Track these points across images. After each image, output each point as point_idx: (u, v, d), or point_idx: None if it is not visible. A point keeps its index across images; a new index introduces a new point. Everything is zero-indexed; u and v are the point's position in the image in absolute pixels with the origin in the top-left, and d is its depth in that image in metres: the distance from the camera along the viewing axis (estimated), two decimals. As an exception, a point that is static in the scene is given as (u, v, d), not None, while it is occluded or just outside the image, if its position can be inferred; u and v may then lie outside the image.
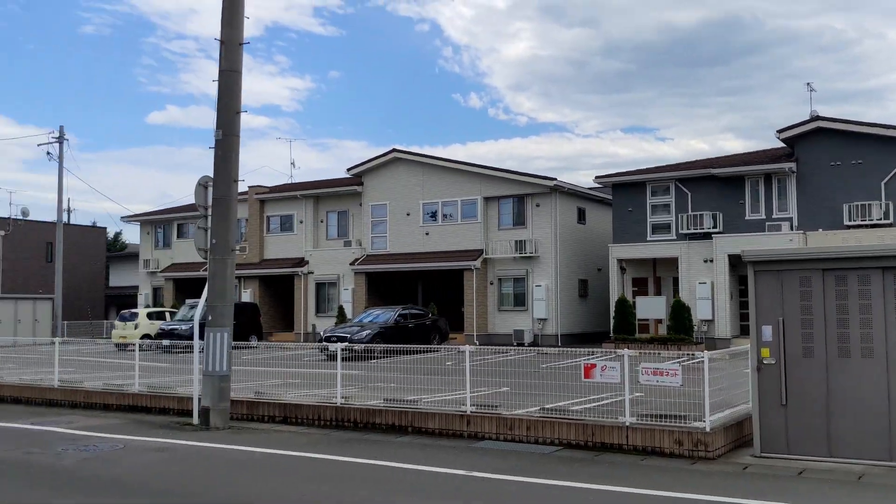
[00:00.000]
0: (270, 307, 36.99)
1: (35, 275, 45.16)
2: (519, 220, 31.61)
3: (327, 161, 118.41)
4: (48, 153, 38.06)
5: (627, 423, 9.24)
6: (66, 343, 17.11)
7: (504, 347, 14.11)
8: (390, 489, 7.37)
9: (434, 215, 33.49)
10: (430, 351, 14.22)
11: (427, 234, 33.36)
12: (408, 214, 33.82)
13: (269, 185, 39.34)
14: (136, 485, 7.49)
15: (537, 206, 31.08)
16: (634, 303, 27.69)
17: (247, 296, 36.75)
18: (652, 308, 27.68)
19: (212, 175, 12.42)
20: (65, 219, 40.84)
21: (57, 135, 38.05)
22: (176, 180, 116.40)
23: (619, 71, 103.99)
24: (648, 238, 28.42)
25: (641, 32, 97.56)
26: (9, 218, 44.35)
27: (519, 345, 27.55)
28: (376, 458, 8.85)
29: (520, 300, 31.29)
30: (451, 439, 10.35)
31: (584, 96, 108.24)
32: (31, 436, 10.72)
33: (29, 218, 45.63)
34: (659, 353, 10.59)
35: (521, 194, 31.52)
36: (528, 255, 30.60)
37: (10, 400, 14.95)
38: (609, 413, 9.65)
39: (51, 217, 43.45)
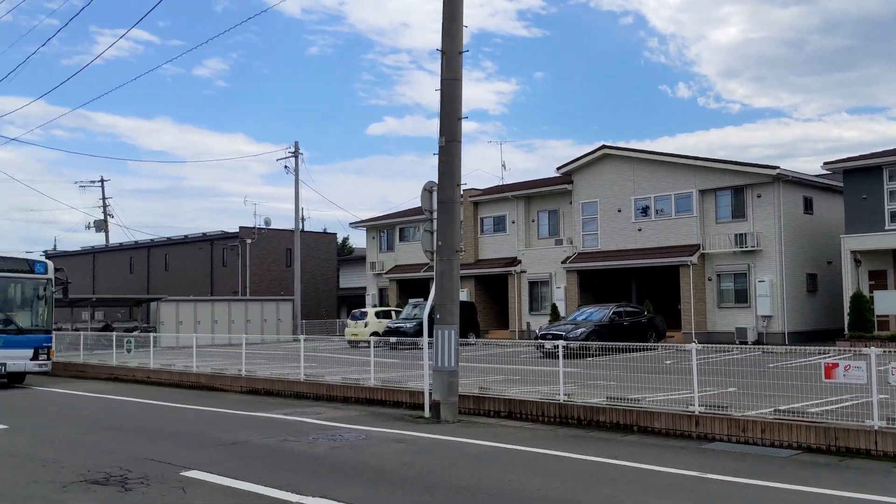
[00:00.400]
0: (485, 306, 37.94)
1: (276, 278, 49.38)
2: (738, 213, 30.21)
3: (534, 161, 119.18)
4: (285, 167, 41.60)
5: (876, 427, 8.68)
6: (307, 340, 18.60)
7: (726, 346, 13.64)
8: (627, 488, 7.44)
9: (646, 211, 32.81)
10: (648, 349, 14.01)
11: (639, 230, 32.74)
12: (619, 211, 33.38)
13: (481, 187, 40.37)
14: (381, 472, 8.10)
15: (758, 196, 29.55)
16: (871, 298, 25.53)
17: (463, 295, 37.89)
18: (892, 303, 25.39)
19: (435, 180, 13.05)
20: (300, 226, 44.29)
21: (292, 150, 41.44)
22: (394, 186, 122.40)
23: (841, 48, 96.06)
24: (887, 227, 26.11)
25: (864, 5, 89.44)
26: (254, 227, 48.85)
27: (742, 343, 26.34)
28: (605, 456, 8.95)
29: (741, 296, 29.90)
30: (679, 439, 10.22)
31: (802, 78, 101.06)
32: (285, 425, 11.85)
33: (270, 227, 49.95)
34: (907, 353, 9.79)
35: (739, 185, 30.12)
36: (749, 248, 29.18)
37: (264, 392, 16.54)
38: (853, 416, 9.10)
39: (288, 225, 47.23)
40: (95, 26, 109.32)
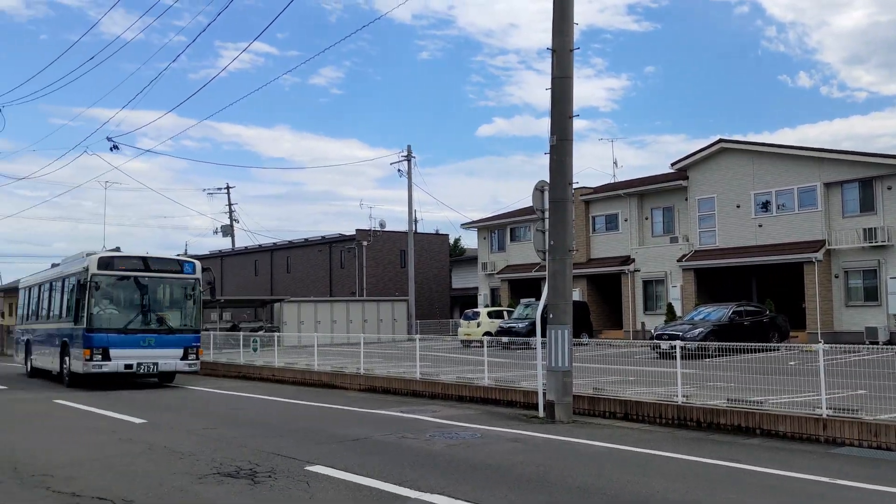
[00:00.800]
0: (598, 305, 37.49)
1: (391, 279, 50.39)
2: (866, 206, 28.74)
3: (646, 158, 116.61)
4: (399, 170, 42.55)
5: None
6: (421, 340, 18.92)
7: (854, 346, 13.00)
8: (753, 492, 7.23)
9: (766, 206, 31.66)
10: (770, 350, 13.53)
11: (760, 226, 31.61)
12: (737, 206, 32.32)
13: (592, 185, 39.91)
14: (498, 470, 8.18)
15: (888, 189, 28.02)
16: None
17: (576, 294, 37.55)
18: None
19: (546, 179, 13.04)
20: (414, 228, 45.06)
21: (405, 154, 42.27)
22: (504, 187, 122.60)
23: None
24: None
25: None
26: (369, 230, 50.07)
27: (872, 343, 24.99)
28: (727, 460, 8.74)
29: (870, 294, 28.43)
30: (804, 443, 9.86)
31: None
32: (402, 422, 12.12)
33: (385, 229, 51.03)
34: None
35: (867, 177, 28.66)
36: (879, 244, 27.71)
37: (381, 390, 16.97)
38: None
39: (402, 227, 48.22)
40: (219, 41, 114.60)
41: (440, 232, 58.49)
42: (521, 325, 28.98)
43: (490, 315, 33.65)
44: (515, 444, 10.02)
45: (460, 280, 55.67)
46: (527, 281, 40.88)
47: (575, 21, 12.81)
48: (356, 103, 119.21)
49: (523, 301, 33.69)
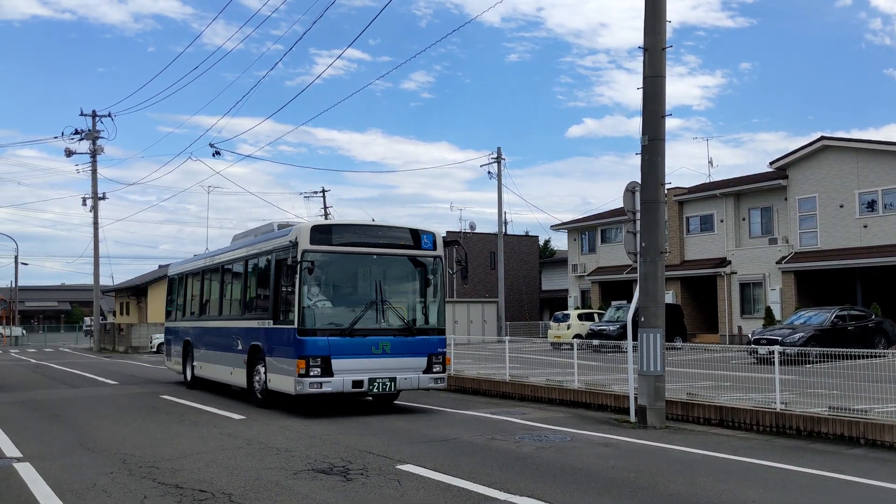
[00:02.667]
0: (692, 308, 36.65)
1: (481, 280, 50.58)
2: (983, 205, 27.11)
3: (742, 156, 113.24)
4: (489, 173, 42.66)
5: None
6: (511, 342, 18.91)
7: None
8: None
9: (872, 205, 30.31)
10: (876, 356, 12.92)
11: (865, 226, 30.29)
12: (841, 206, 31.05)
13: (686, 186, 39.06)
14: (588, 474, 8.11)
15: None
16: None
17: (668, 297, 36.90)
18: None
19: (637, 180, 12.85)
20: (503, 230, 45.09)
21: (495, 156, 42.40)
22: (594, 188, 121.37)
23: None
24: None
25: None
26: (460, 231, 50.45)
27: None
28: (829, 470, 8.41)
29: None
30: (915, 455, 9.39)
31: None
32: (492, 424, 12.15)
33: (475, 230, 51.25)
34: None
35: None
36: None
37: (471, 391, 17.05)
38: None
39: (492, 229, 48.44)
40: (314, 48, 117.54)
41: (530, 234, 58.33)
42: (611, 328, 28.60)
43: (580, 317, 33.34)
44: (606, 448, 9.91)
45: (550, 282, 55.32)
46: (618, 283, 40.29)
47: (667, 18, 12.59)
48: (446, 107, 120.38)
49: (614, 303, 33.26)
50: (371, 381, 12.83)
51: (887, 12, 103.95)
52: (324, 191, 64.95)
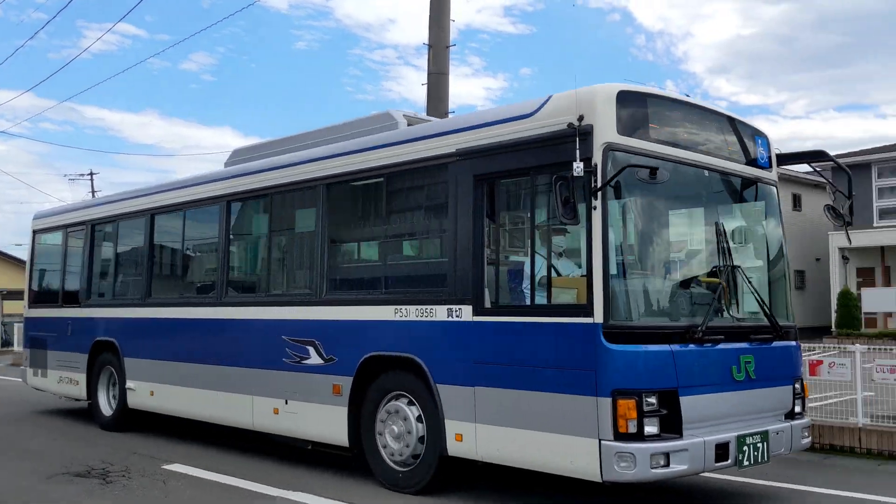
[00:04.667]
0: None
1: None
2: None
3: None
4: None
5: (860, 425, 8.64)
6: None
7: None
8: None
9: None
10: None
11: None
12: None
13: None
14: None
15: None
16: (859, 295, 25.61)
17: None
18: (880, 300, 25.47)
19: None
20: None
21: None
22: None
23: (835, 45, 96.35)
24: (875, 224, 26.22)
25: (859, 1, 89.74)
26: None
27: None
28: None
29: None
30: None
31: (793, 75, 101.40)
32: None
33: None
34: (892, 350, 9.67)
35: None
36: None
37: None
38: (838, 413, 9.04)
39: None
40: (83, 20, 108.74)
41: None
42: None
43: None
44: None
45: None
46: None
47: (452, 18, 12.95)
48: (230, 91, 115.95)
49: None
50: (739, 442, 5.77)
51: (650, 30, 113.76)
52: (91, 174, 60.39)
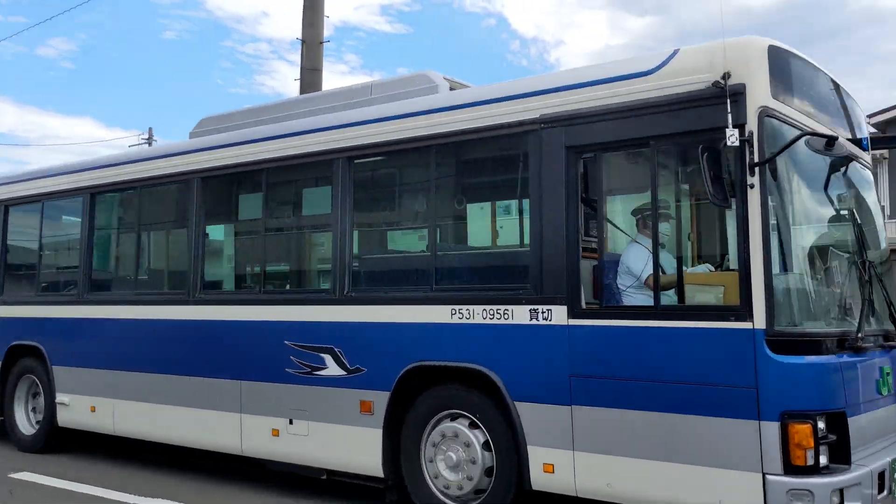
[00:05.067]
0: None
1: None
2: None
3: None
4: (138, 153, 37.09)
5: None
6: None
7: None
8: None
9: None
10: None
11: None
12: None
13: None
14: None
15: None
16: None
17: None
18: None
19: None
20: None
21: (146, 136, 37.53)
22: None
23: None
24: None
25: (715, 18, 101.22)
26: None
27: None
28: None
29: None
30: None
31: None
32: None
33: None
34: None
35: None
36: None
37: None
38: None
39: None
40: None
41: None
42: None
43: None
44: None
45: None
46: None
47: (326, 14, 12.89)
48: (91, 79, 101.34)
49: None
50: (892, 469, 4.81)
51: (525, 36, 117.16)
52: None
